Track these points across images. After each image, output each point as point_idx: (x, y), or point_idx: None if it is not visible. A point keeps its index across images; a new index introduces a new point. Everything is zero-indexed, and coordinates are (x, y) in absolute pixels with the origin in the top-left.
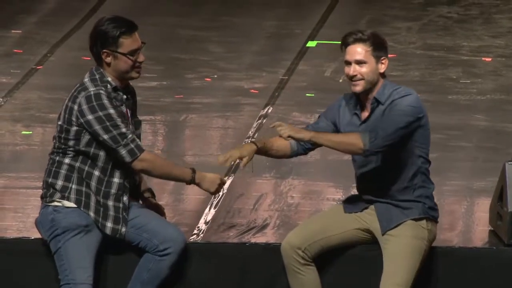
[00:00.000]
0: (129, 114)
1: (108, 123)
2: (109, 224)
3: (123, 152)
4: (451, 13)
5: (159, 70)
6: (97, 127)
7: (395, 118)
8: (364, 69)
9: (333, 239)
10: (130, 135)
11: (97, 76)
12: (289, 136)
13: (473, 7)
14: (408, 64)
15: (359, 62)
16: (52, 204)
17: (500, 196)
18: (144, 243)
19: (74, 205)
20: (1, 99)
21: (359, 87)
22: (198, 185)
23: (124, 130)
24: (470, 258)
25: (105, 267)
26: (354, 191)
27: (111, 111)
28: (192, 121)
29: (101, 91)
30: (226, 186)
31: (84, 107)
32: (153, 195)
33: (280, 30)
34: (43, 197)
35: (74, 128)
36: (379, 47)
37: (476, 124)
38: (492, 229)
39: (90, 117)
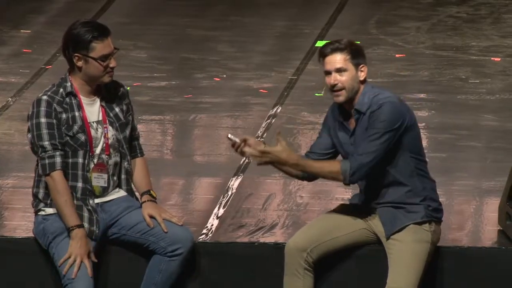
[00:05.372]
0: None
1: (35, 133)
2: (86, 225)
3: (39, 163)
4: (461, 13)
5: (168, 70)
6: (29, 135)
7: (373, 139)
8: (344, 77)
9: (340, 240)
10: (50, 151)
11: (59, 81)
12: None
13: (482, 7)
14: (417, 64)
15: (339, 70)
16: (40, 213)
17: (509, 196)
18: (152, 246)
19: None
20: (10, 99)
21: (341, 97)
22: (71, 238)
23: (46, 143)
24: (479, 258)
25: (113, 269)
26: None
27: (43, 120)
28: (201, 121)
29: (44, 97)
30: (235, 185)
31: (30, 112)
32: (153, 198)
33: (289, 30)
34: (33, 207)
35: (29, 134)
36: (357, 55)
37: (485, 124)
38: (501, 229)
39: (28, 123)
